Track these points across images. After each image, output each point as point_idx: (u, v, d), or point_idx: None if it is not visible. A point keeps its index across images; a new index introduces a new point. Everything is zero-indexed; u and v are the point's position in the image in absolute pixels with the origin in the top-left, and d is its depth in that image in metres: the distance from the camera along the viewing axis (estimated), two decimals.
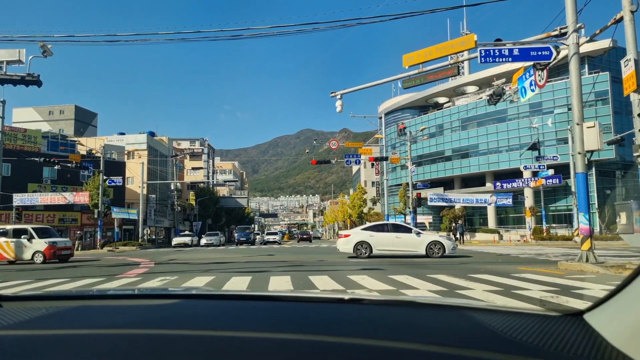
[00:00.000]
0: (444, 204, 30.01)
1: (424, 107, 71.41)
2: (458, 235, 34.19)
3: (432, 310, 1.20)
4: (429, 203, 30.10)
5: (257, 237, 48.19)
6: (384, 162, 48.92)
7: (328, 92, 18.93)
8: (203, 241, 40.29)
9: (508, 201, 32.17)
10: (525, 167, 33.50)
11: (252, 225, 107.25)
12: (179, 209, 53.32)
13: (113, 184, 36.31)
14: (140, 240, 40.57)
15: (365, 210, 60.90)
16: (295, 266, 13.76)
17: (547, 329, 0.90)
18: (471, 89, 65.49)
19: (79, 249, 34.43)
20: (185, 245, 39.96)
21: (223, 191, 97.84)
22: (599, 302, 0.92)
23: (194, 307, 1.27)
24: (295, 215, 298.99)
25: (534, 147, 34.93)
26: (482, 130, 59.08)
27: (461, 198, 30.95)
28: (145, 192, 54.08)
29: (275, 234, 46.46)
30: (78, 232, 37.74)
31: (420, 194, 29.35)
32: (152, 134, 64.17)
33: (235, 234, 42.08)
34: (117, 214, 38.18)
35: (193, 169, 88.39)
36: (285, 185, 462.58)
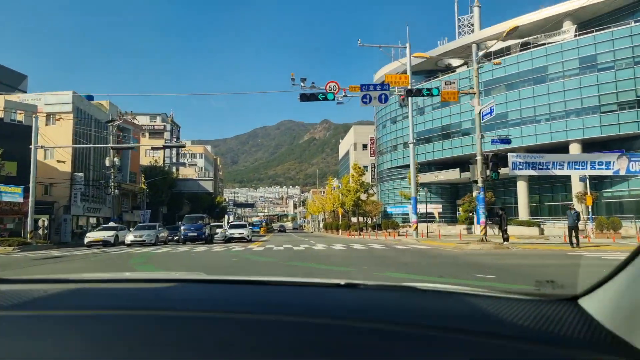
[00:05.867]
0: (535, 173, 16.98)
1: (432, 71, 58.28)
2: (500, 232, 21.48)
3: (429, 296, 1.19)
4: (511, 172, 16.93)
5: (219, 230, 34.46)
6: (390, 129, 35.08)
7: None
8: (129, 238, 26.40)
9: None
10: None
11: (226, 216, 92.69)
12: (117, 193, 39.16)
13: None
14: (29, 235, 26.11)
15: (363, 197, 47.51)
16: None
17: (542, 313, 0.91)
18: (490, 44, 52.50)
19: None
20: (105, 243, 26.17)
21: (192, 176, 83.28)
22: (593, 287, 0.93)
23: (192, 290, 1.28)
24: (275, 206, 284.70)
25: None
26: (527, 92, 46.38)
27: (566, 162, 17.49)
28: (63, 167, 39.82)
29: (243, 226, 32.19)
30: None
31: (497, 153, 16.16)
32: (90, 98, 49.42)
33: (182, 228, 28.40)
34: None
35: (153, 148, 73.64)
36: (265, 176, 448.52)
